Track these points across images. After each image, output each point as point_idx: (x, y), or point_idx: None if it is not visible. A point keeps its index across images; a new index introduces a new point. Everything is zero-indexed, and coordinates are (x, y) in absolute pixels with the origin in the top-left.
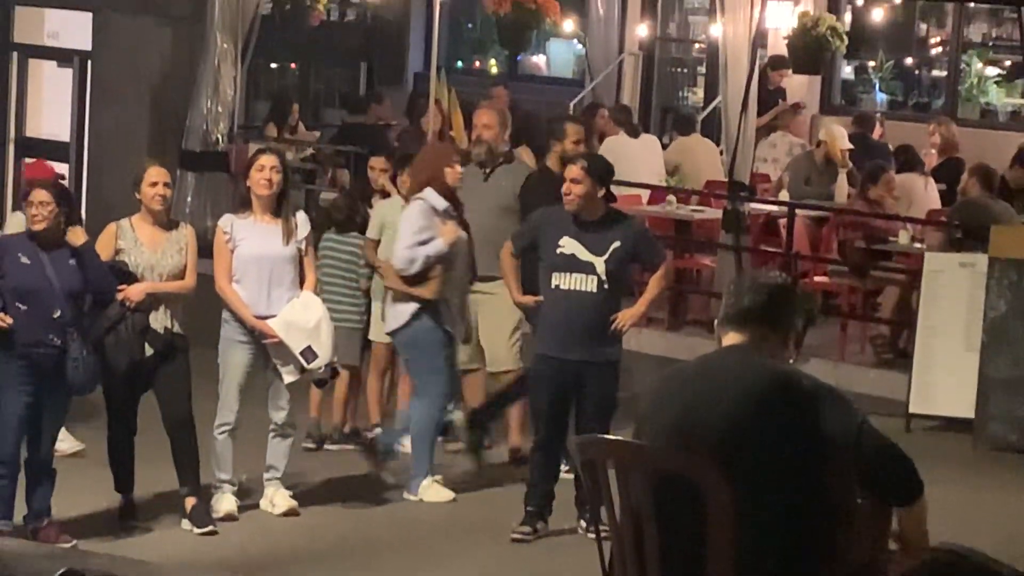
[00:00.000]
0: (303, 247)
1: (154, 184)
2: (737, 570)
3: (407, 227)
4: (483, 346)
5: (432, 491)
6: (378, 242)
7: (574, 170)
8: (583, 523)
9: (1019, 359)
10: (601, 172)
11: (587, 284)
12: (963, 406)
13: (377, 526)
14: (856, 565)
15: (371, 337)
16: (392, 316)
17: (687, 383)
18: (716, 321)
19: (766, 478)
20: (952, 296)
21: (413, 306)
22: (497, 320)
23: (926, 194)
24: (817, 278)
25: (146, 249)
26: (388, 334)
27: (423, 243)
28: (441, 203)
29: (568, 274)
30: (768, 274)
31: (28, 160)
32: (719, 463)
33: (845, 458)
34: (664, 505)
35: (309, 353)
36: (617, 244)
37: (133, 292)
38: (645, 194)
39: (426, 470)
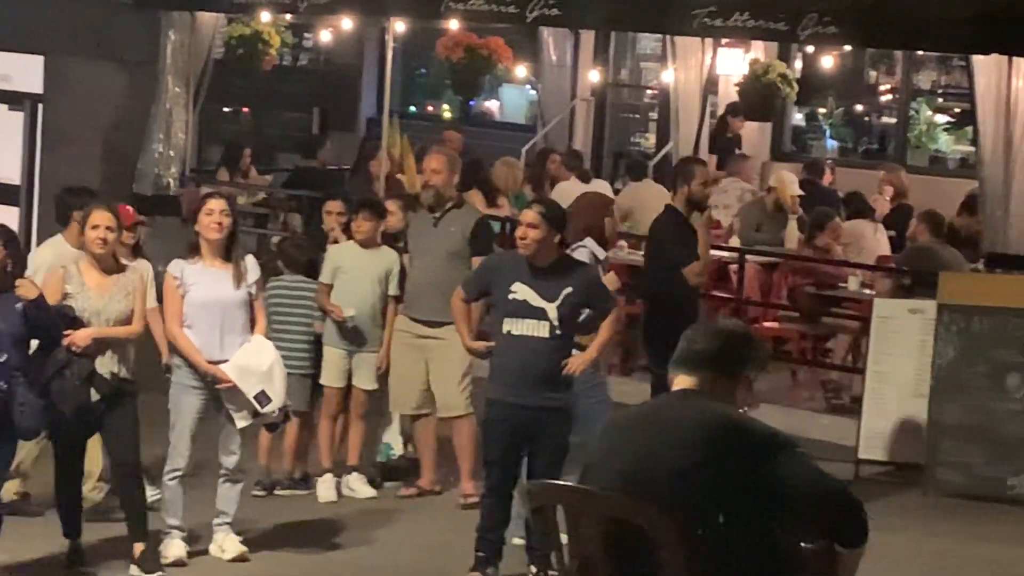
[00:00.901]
0: (253, 291)
1: (95, 227)
2: None
3: None
4: (434, 391)
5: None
6: (331, 287)
7: (530, 215)
8: (533, 569)
9: (968, 405)
10: (557, 218)
11: (539, 330)
12: (912, 452)
13: (328, 573)
14: None
15: (322, 382)
16: None
17: (637, 428)
18: (670, 363)
19: (716, 525)
20: (901, 342)
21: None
22: (448, 365)
23: (875, 240)
24: (767, 324)
25: (92, 294)
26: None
27: None
28: (601, 252)
29: (520, 320)
30: (724, 319)
31: None
32: (669, 510)
33: (796, 504)
34: (615, 551)
35: (263, 397)
36: (569, 290)
37: (78, 338)
38: None
39: None
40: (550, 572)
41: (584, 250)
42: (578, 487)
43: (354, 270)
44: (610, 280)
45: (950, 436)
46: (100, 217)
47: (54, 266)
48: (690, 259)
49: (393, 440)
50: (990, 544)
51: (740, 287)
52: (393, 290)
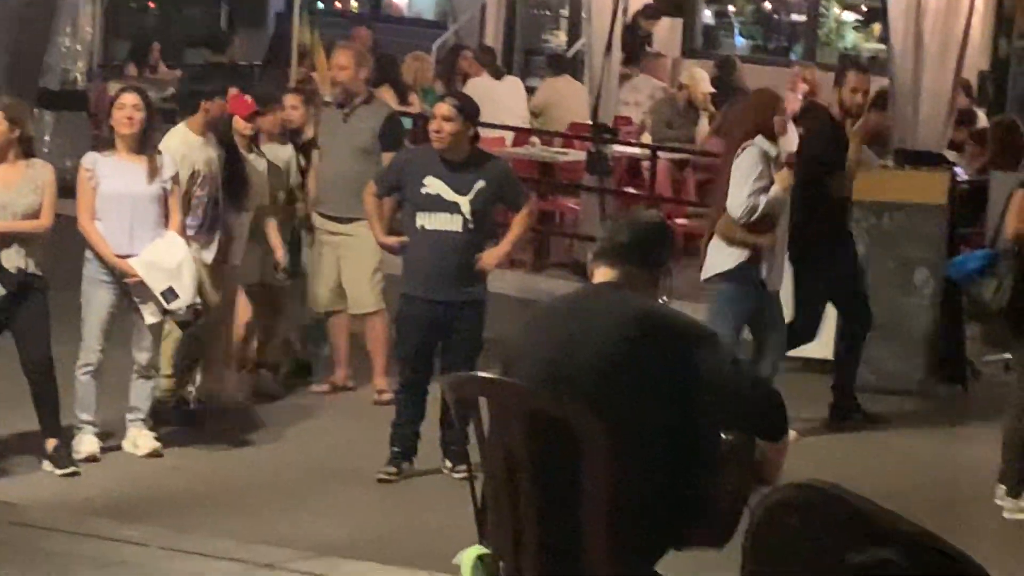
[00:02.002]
0: (168, 187)
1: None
2: (611, 511)
3: (744, 174)
4: (345, 288)
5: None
6: None
7: (445, 108)
8: (448, 463)
9: (877, 301)
10: (471, 112)
11: (452, 224)
12: (824, 348)
13: (242, 468)
14: (723, 501)
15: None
16: (717, 262)
17: (558, 321)
18: (589, 255)
19: (639, 417)
20: None
21: (743, 254)
22: (358, 261)
23: (786, 138)
24: (679, 220)
25: None
26: (705, 280)
27: (762, 190)
28: (772, 149)
29: (433, 214)
30: (644, 211)
31: None
32: (592, 403)
33: (717, 395)
34: (537, 445)
35: (170, 294)
36: (482, 184)
37: None
38: (509, 136)
39: None
40: (463, 465)
41: (756, 148)
42: (501, 379)
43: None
44: (782, 177)
45: None
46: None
47: None
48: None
49: (299, 336)
50: (899, 436)
51: (652, 183)
52: (294, 181)
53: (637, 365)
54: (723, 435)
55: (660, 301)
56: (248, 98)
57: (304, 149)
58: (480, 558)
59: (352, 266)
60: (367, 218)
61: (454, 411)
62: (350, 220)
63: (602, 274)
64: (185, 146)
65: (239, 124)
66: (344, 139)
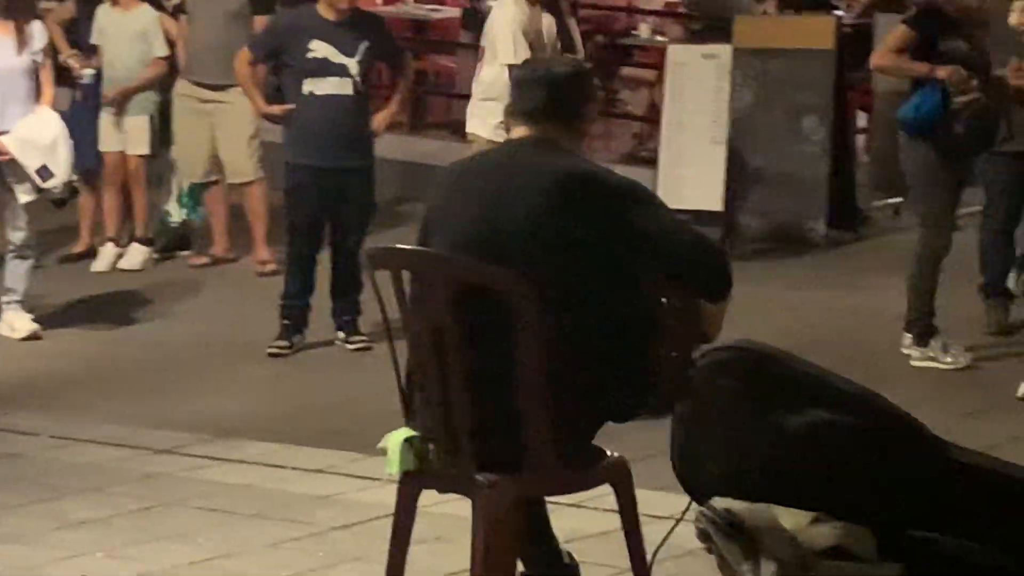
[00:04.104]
0: (40, 59)
1: None
2: (548, 381)
3: None
4: (221, 157)
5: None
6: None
7: None
8: (342, 334)
9: (766, 151)
10: None
11: (343, 88)
12: (712, 199)
13: (126, 348)
14: (665, 368)
15: (100, 148)
16: None
17: (479, 184)
18: (504, 110)
19: (573, 282)
20: (697, 89)
21: None
22: (234, 129)
23: None
24: None
25: None
26: None
27: None
28: None
29: (322, 79)
30: (558, 59)
31: None
32: (522, 269)
33: (656, 253)
34: (467, 317)
35: (45, 171)
36: (367, 44)
37: None
38: None
39: None
40: (357, 337)
41: None
42: (425, 251)
43: (114, 31)
44: None
45: (749, 181)
46: None
47: None
48: None
49: (173, 208)
50: (791, 289)
51: None
52: (159, 50)
53: (568, 226)
54: (663, 299)
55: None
56: None
57: (173, 14)
58: (408, 440)
59: (227, 135)
60: (243, 87)
61: (372, 283)
62: (223, 87)
63: (518, 132)
64: (522, 13)
65: None
66: (212, 3)
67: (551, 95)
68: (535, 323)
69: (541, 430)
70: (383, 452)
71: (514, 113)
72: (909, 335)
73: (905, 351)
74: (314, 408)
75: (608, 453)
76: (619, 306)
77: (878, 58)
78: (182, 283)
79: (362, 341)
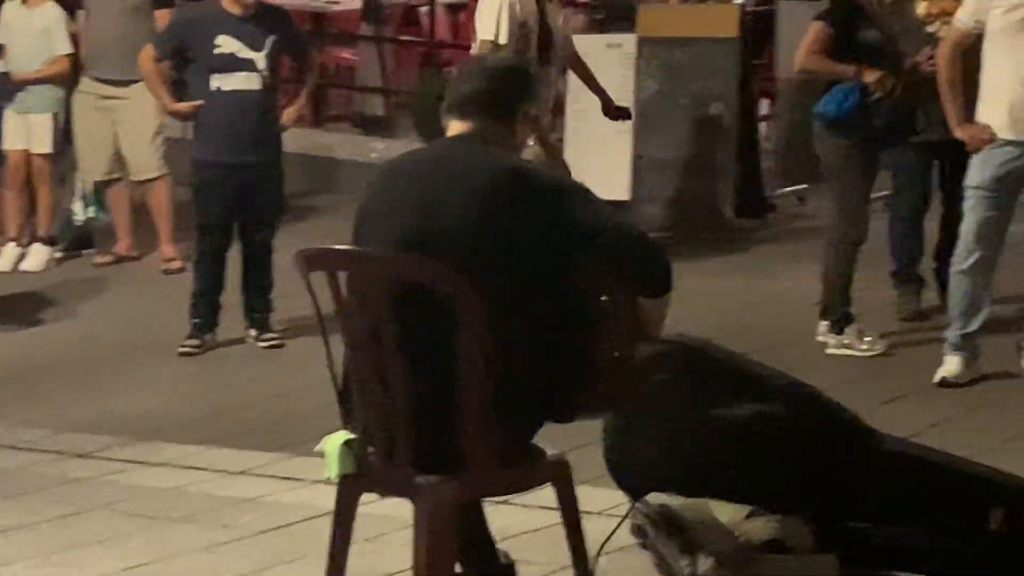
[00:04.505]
0: None
1: None
2: (489, 381)
3: None
4: (124, 154)
5: None
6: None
7: None
8: (253, 332)
9: (670, 139)
10: None
11: (250, 83)
12: (618, 189)
13: (34, 350)
14: (607, 366)
15: (5, 147)
16: None
17: (414, 181)
18: (441, 108)
19: (512, 279)
20: (601, 79)
21: None
22: (137, 126)
23: None
24: None
25: None
26: None
27: None
28: None
29: (229, 74)
30: (495, 56)
31: None
32: (461, 266)
33: (595, 250)
34: (406, 317)
35: None
36: (274, 38)
37: None
38: None
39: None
40: (269, 334)
41: None
42: (361, 250)
43: (19, 28)
44: None
45: (653, 171)
46: None
47: None
48: None
49: (77, 207)
50: (701, 277)
51: (432, 30)
52: (61, 48)
53: (505, 224)
54: (603, 297)
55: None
56: None
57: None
58: (347, 443)
59: (131, 131)
60: (148, 84)
61: (305, 284)
62: (125, 83)
63: (455, 128)
64: None
65: None
66: None
67: (487, 90)
68: (475, 322)
69: (482, 431)
70: (320, 455)
71: (449, 107)
72: (824, 323)
73: (821, 339)
74: (230, 408)
75: (548, 452)
76: (559, 304)
77: (803, 60)
78: (87, 283)
79: (274, 339)
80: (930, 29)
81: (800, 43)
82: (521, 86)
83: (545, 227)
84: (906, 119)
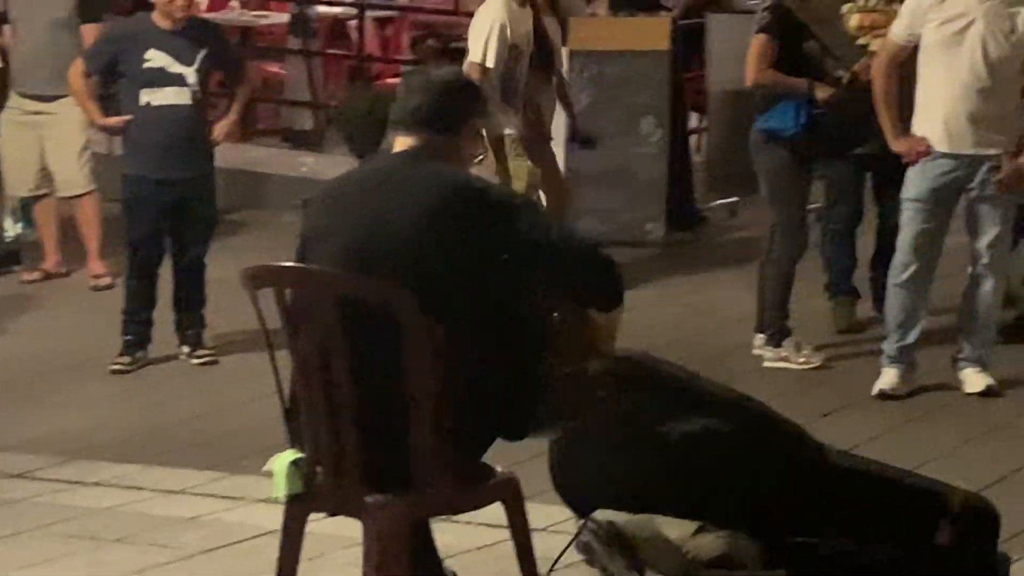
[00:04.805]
0: None
1: None
2: (438, 398)
3: None
4: (51, 169)
5: None
6: None
7: None
8: (186, 349)
9: (605, 151)
10: None
11: (181, 98)
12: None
13: None
14: (557, 382)
15: None
16: None
17: (360, 197)
18: (389, 123)
19: (460, 295)
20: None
21: None
22: (64, 141)
23: None
24: (390, 80)
25: None
26: None
27: None
28: None
29: (159, 89)
30: (438, 68)
31: None
32: (408, 283)
33: (545, 264)
34: (354, 334)
35: None
36: (205, 52)
37: None
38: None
39: None
40: (202, 351)
41: None
42: (308, 268)
43: None
44: None
45: (587, 183)
46: None
47: None
48: None
49: (8, 223)
50: (634, 290)
51: (361, 44)
52: None
53: (452, 239)
54: (555, 313)
55: (478, 158)
56: None
57: None
58: (294, 463)
59: (58, 146)
60: (77, 99)
61: (251, 298)
62: (52, 98)
63: (401, 143)
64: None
65: None
66: (37, 10)
67: (434, 105)
68: (422, 340)
69: (431, 449)
70: (268, 475)
71: (395, 122)
72: (761, 335)
73: (757, 351)
74: (165, 426)
75: (498, 470)
76: (509, 320)
77: (756, 74)
78: (15, 300)
79: (207, 355)
80: (861, 42)
81: (746, 57)
82: (469, 101)
83: (492, 242)
84: (849, 133)
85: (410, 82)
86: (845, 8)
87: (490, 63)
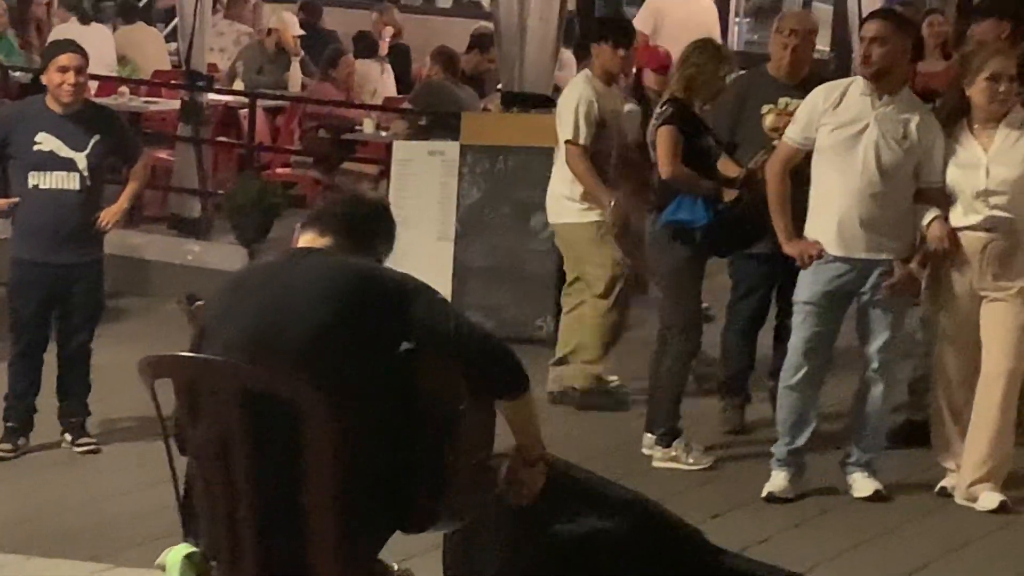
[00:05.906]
0: None
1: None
2: (338, 489)
3: None
4: None
5: None
6: None
7: (76, 59)
8: (69, 437)
9: (494, 247)
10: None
11: (69, 182)
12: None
13: None
14: (461, 473)
15: None
16: None
17: (261, 288)
18: (299, 224)
19: (360, 384)
20: (423, 185)
21: None
22: None
23: (383, 81)
24: (280, 170)
25: None
26: None
27: None
28: None
29: (48, 172)
30: (371, 192)
31: None
32: (309, 373)
33: (444, 351)
34: (254, 426)
35: None
36: (97, 138)
37: None
38: (94, 85)
39: None
40: (85, 439)
41: None
42: (208, 358)
43: None
44: None
45: (477, 278)
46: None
47: None
48: None
49: None
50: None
51: (251, 132)
52: None
53: (352, 326)
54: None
55: None
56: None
57: None
58: (188, 557)
59: None
60: None
61: (149, 391)
62: None
63: (309, 240)
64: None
65: None
66: None
67: (356, 220)
68: (320, 430)
69: (327, 542)
70: (161, 568)
71: (310, 220)
72: (651, 435)
73: (646, 451)
74: (46, 514)
75: (394, 567)
76: (410, 410)
77: (673, 169)
78: None
79: (90, 443)
80: (776, 142)
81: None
82: (385, 232)
83: (390, 329)
84: (750, 231)
85: (339, 193)
86: (765, 109)
87: (582, 140)
